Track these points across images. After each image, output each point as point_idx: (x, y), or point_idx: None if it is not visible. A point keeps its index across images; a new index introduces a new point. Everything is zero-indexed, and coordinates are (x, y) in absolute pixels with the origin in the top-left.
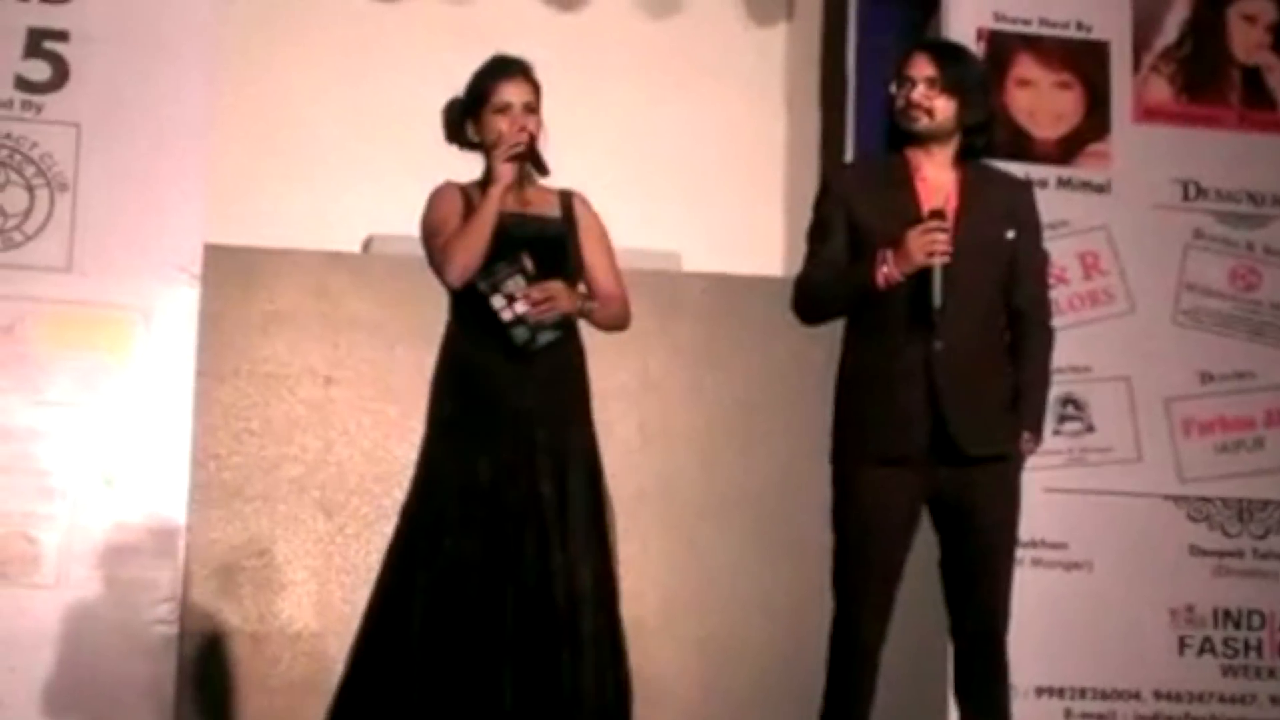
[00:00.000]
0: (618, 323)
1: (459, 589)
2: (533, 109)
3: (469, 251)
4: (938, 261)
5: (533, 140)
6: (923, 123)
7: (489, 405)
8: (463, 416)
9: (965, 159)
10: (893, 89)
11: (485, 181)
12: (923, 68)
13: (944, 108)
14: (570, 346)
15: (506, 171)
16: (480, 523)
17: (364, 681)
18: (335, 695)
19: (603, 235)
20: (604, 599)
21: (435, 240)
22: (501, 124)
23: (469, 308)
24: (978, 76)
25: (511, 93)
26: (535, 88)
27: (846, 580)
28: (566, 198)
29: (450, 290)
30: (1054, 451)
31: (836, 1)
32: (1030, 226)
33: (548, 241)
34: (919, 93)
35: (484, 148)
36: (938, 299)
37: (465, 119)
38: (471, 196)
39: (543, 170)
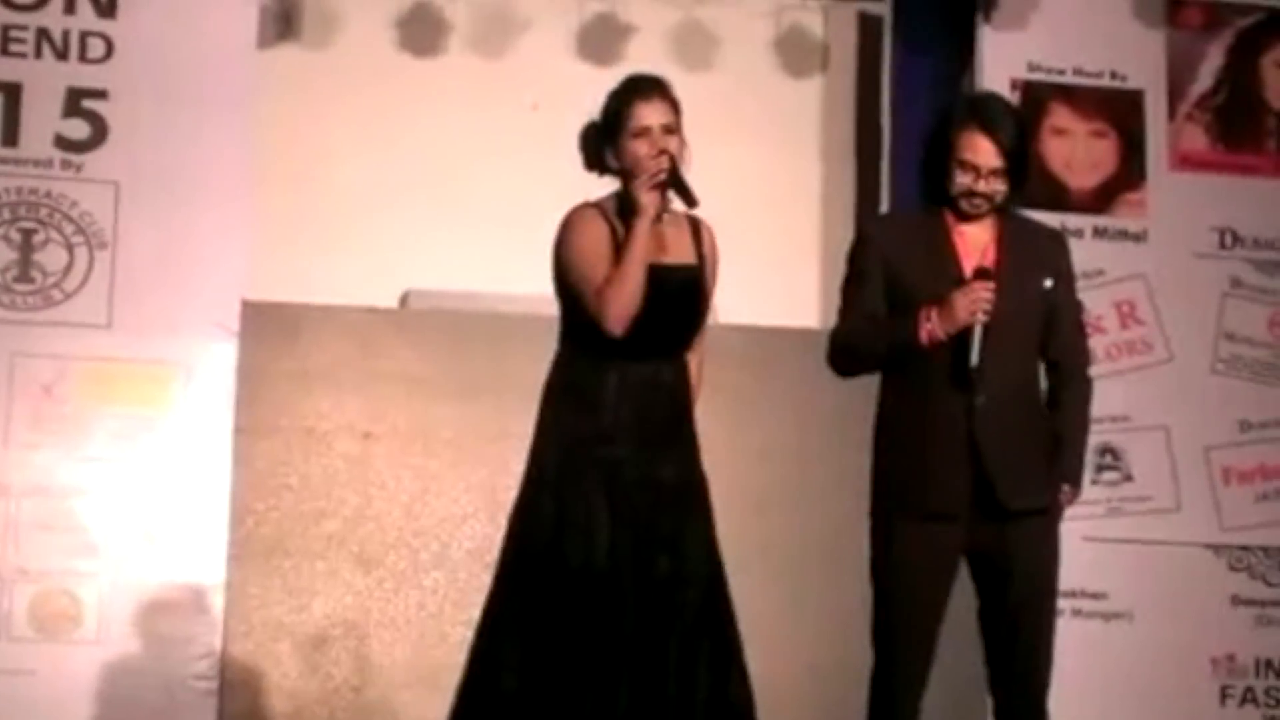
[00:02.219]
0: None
1: (562, 651)
2: (672, 130)
3: (628, 301)
4: (981, 320)
5: (674, 164)
6: (984, 209)
7: (608, 433)
8: (579, 443)
9: (999, 210)
10: (956, 174)
11: (623, 207)
12: (989, 156)
13: (1002, 191)
14: (685, 385)
15: (651, 201)
16: (594, 557)
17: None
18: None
19: (715, 275)
20: (719, 631)
21: (589, 280)
22: (641, 148)
23: (587, 333)
24: (1027, 145)
25: (649, 115)
26: (675, 106)
27: (885, 634)
28: (696, 228)
29: (574, 318)
30: (1093, 501)
31: (870, 54)
32: (1066, 276)
33: (689, 291)
34: (985, 185)
35: (622, 173)
36: (975, 358)
37: (604, 145)
38: (613, 223)
39: (690, 201)
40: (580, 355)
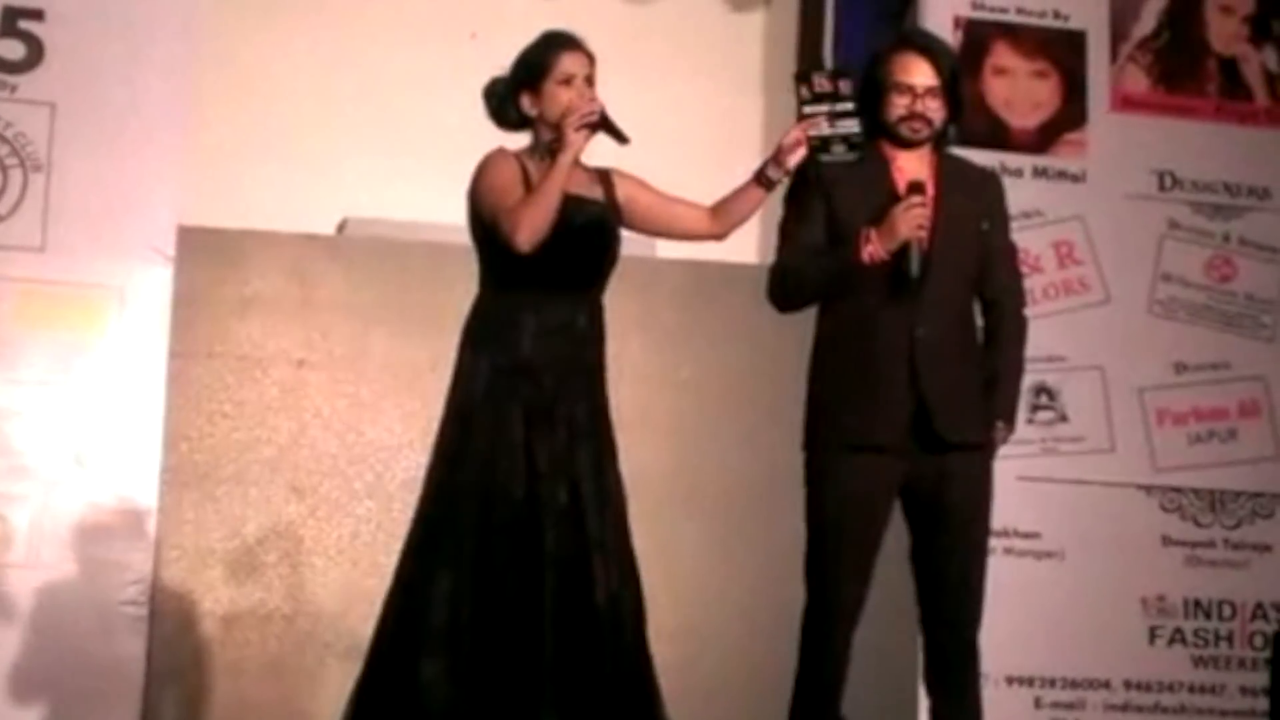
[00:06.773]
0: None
1: (487, 574)
2: (591, 82)
3: (541, 218)
4: (921, 235)
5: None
6: (924, 134)
7: (528, 369)
8: (502, 377)
9: (936, 147)
10: (892, 97)
11: (538, 154)
12: (925, 75)
13: (939, 113)
14: (600, 327)
15: (578, 140)
16: (510, 502)
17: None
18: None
19: (647, 184)
20: (624, 579)
21: (502, 204)
22: (566, 95)
23: (504, 275)
24: (961, 71)
25: (574, 64)
26: (592, 61)
27: (820, 568)
28: (605, 176)
29: (491, 257)
30: (1027, 441)
31: None
32: (1001, 217)
33: (599, 226)
34: (923, 105)
35: (541, 121)
36: (915, 268)
37: (519, 93)
38: (526, 165)
39: (622, 139)
40: (498, 297)
